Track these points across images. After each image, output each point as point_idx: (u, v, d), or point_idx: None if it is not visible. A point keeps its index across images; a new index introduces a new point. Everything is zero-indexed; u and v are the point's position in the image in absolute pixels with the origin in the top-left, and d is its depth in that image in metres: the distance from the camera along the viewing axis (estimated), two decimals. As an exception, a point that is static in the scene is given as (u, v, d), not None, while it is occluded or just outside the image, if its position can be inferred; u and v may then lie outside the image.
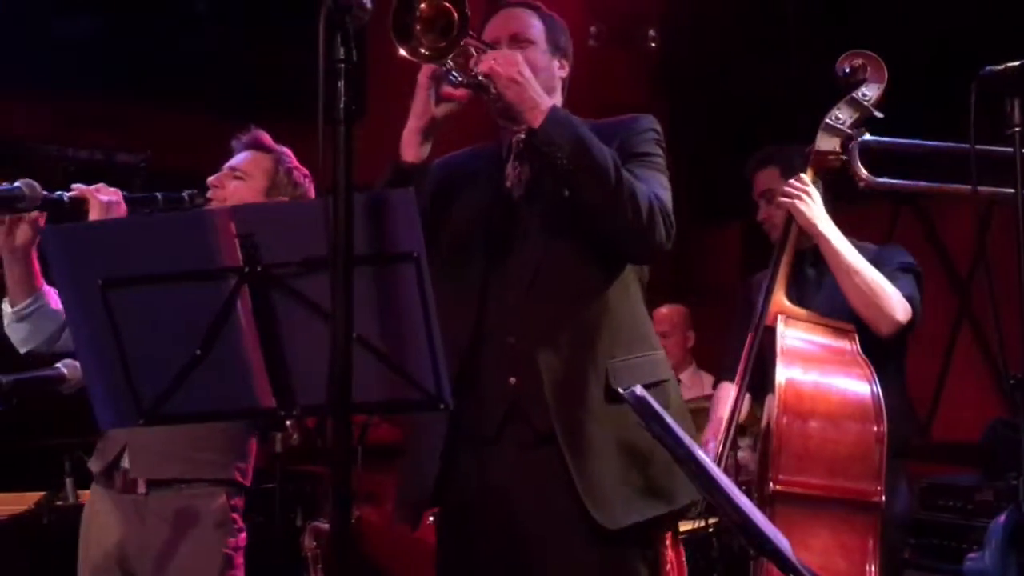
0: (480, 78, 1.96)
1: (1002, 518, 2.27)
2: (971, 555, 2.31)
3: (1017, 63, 1.58)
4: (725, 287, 3.07)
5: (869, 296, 2.46)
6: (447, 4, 1.88)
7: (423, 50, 1.90)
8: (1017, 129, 1.56)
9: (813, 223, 2.52)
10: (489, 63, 1.94)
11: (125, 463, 2.29)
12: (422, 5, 1.88)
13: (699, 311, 4.55)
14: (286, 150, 2.46)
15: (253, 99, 4.69)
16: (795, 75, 4.88)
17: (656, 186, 2.06)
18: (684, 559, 2.15)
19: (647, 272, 2.19)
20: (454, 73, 1.95)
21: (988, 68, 1.58)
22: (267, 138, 2.45)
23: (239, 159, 2.41)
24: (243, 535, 2.35)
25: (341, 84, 1.41)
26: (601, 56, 5.48)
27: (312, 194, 2.41)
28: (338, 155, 1.40)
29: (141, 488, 2.28)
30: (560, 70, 2.18)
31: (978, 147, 1.57)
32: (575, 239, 2.04)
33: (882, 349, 2.51)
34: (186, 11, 4.76)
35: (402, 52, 1.90)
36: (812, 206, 2.54)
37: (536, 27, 2.14)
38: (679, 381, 4.50)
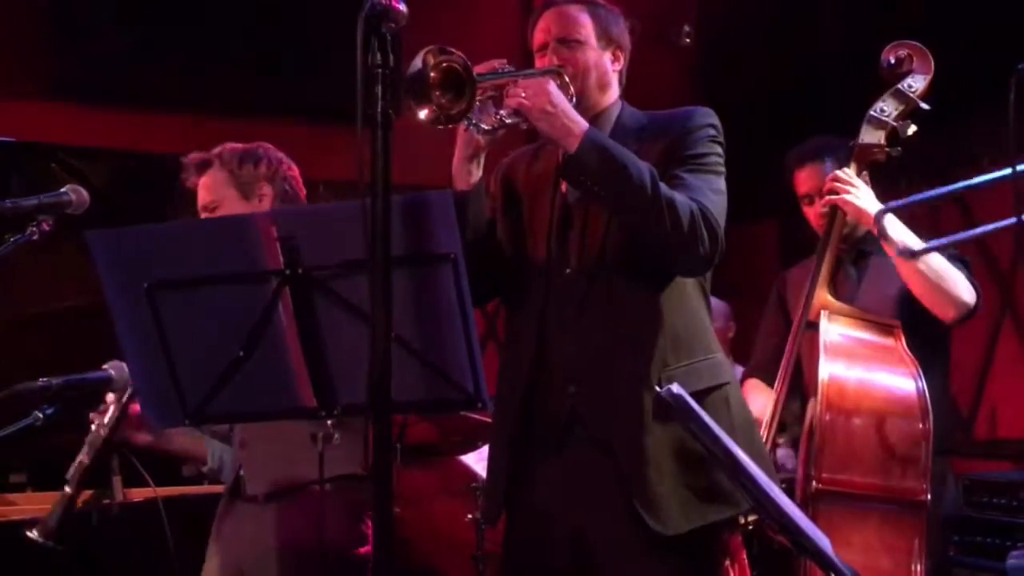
0: (508, 119, 1.94)
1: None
2: (1015, 552, 2.29)
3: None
4: (762, 284, 3.04)
5: (935, 280, 2.43)
6: (449, 64, 1.84)
7: (451, 111, 1.85)
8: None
9: (865, 213, 2.49)
10: (518, 99, 1.92)
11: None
12: (432, 74, 1.84)
13: (737, 306, 4.53)
14: (225, 145, 2.38)
15: (297, 102, 4.74)
16: (833, 70, 4.83)
17: (704, 193, 2.01)
18: (747, 563, 2.13)
19: (708, 275, 2.15)
20: (478, 124, 1.92)
21: (1027, 61, 1.56)
22: (196, 155, 2.39)
23: (200, 196, 2.36)
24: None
25: (379, 88, 1.42)
26: (636, 52, 5.47)
27: (293, 167, 2.36)
28: (376, 158, 1.41)
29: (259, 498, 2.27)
30: (614, 63, 2.15)
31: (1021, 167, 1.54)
32: (625, 246, 2.03)
33: (927, 345, 2.48)
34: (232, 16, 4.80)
35: (430, 123, 1.86)
36: (861, 197, 2.51)
37: (585, 24, 2.10)
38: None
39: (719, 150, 2.10)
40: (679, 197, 1.96)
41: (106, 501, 3.09)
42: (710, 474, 1.98)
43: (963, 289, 2.44)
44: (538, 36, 2.11)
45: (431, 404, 1.73)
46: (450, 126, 1.89)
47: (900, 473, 2.21)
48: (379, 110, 1.43)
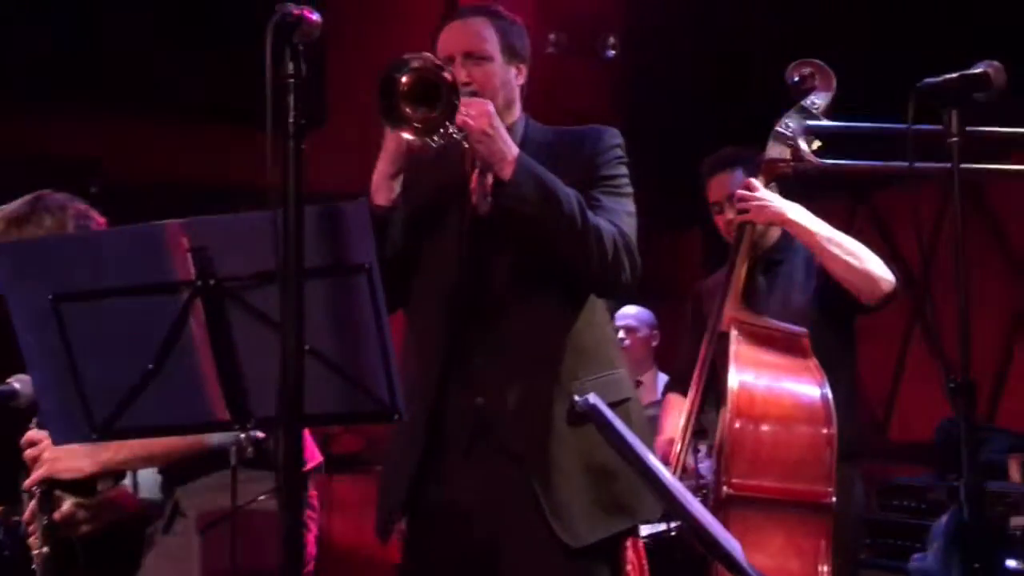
0: (454, 135, 1.93)
1: (944, 519, 2.33)
2: (916, 555, 2.37)
3: (955, 75, 1.62)
4: (687, 291, 3.10)
5: (854, 263, 2.50)
6: (430, 76, 1.86)
7: (416, 125, 1.87)
8: (954, 139, 1.60)
9: (779, 214, 2.55)
10: (463, 117, 1.91)
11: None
12: (403, 79, 1.85)
13: (662, 314, 4.59)
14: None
15: (206, 107, 4.67)
16: (756, 82, 4.94)
17: (621, 217, 2.06)
18: (645, 560, 2.17)
19: None
20: (434, 138, 1.91)
21: (926, 80, 1.62)
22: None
23: None
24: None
25: (291, 99, 1.41)
26: (561, 64, 5.51)
27: (79, 205, 2.27)
28: (288, 169, 1.40)
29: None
30: (518, 78, 2.15)
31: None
32: (541, 265, 2.04)
33: (836, 350, 2.55)
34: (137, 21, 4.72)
35: (404, 136, 1.88)
36: (769, 203, 2.56)
37: (490, 39, 2.10)
38: (640, 383, 4.57)
39: (627, 171, 2.15)
40: (604, 225, 1.99)
41: (15, 518, 2.99)
42: (615, 485, 2.02)
43: (884, 268, 2.52)
44: (443, 48, 2.10)
45: (347, 416, 1.71)
46: (418, 136, 1.88)
47: (806, 477, 2.27)
48: (291, 120, 1.41)
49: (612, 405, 1.97)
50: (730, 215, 2.74)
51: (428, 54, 1.88)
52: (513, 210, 1.97)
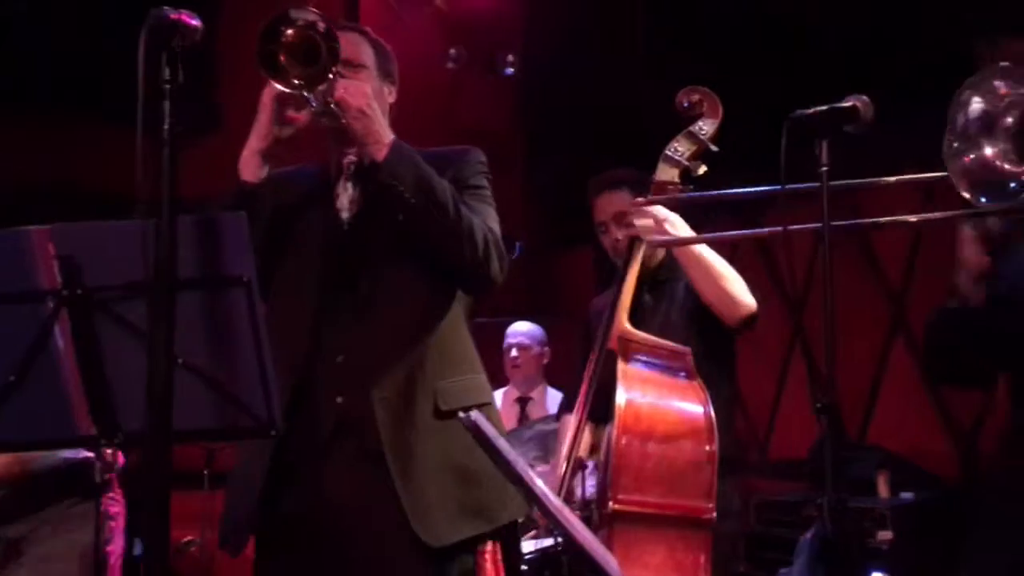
0: (332, 106, 1.95)
1: (809, 534, 2.41)
2: (782, 570, 2.43)
3: (825, 108, 1.69)
4: (580, 308, 3.13)
5: (721, 283, 2.56)
6: (314, 33, 1.88)
7: (294, 80, 1.89)
8: (824, 168, 1.67)
9: (664, 219, 2.58)
10: (341, 92, 1.95)
11: None
12: (289, 32, 1.87)
13: (555, 331, 4.63)
14: None
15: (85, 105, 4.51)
16: (648, 104, 5.06)
17: (490, 219, 2.12)
18: (502, 571, 2.18)
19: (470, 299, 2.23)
20: (308, 97, 1.93)
21: (798, 112, 1.69)
22: None
23: None
24: None
25: (166, 105, 1.37)
26: (460, 80, 5.54)
27: None
28: (162, 176, 1.36)
29: None
30: (389, 96, 2.20)
31: (788, 186, 1.68)
32: (408, 264, 2.07)
33: (714, 367, 2.61)
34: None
35: (275, 85, 1.89)
36: (656, 209, 2.60)
37: (367, 52, 2.15)
38: (530, 399, 4.61)
39: (490, 188, 2.20)
40: (475, 219, 2.04)
41: None
42: (477, 488, 2.04)
43: (745, 292, 2.59)
44: None
45: (222, 431, 1.67)
46: (297, 91, 1.90)
47: (688, 493, 2.30)
48: (166, 127, 1.37)
49: (475, 407, 1.98)
50: (615, 235, 2.79)
51: (317, 13, 1.90)
52: (387, 192, 1.98)
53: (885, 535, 3.18)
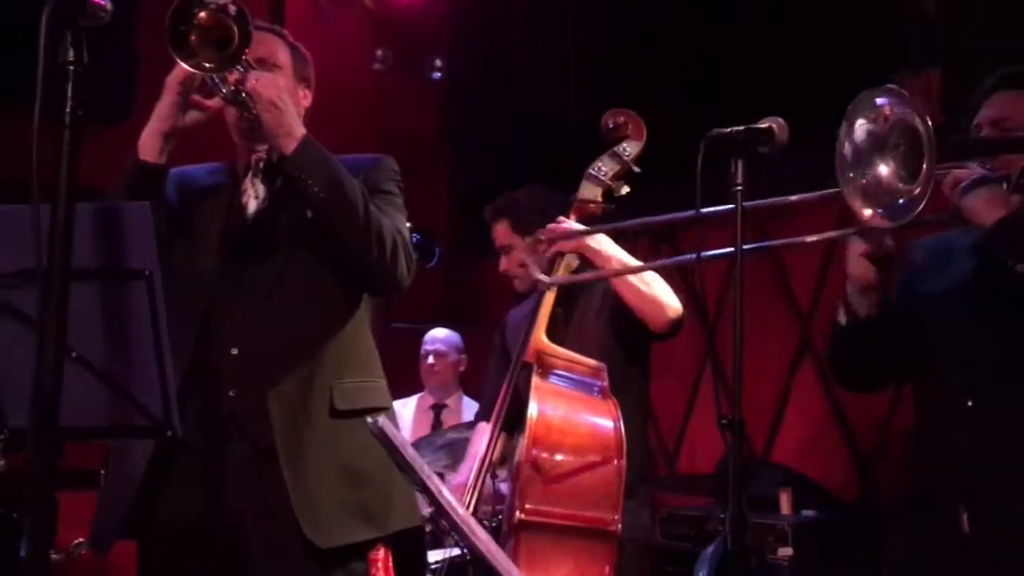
0: (243, 95, 1.93)
1: (711, 548, 2.43)
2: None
3: (741, 128, 1.72)
4: (495, 318, 3.13)
5: (643, 289, 2.57)
6: (226, 17, 1.85)
7: (205, 63, 1.86)
8: (739, 188, 1.70)
9: (581, 242, 2.60)
10: (253, 82, 1.93)
11: None
12: (201, 14, 1.85)
13: (472, 338, 4.62)
14: None
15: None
16: (575, 112, 5.09)
17: (398, 219, 2.11)
18: None
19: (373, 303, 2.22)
20: (219, 84, 1.92)
21: (715, 131, 1.71)
22: None
23: None
24: None
25: (69, 87, 1.31)
26: (387, 81, 5.49)
27: None
28: (61, 161, 1.30)
29: None
30: (304, 100, 2.18)
31: (703, 210, 1.70)
32: (312, 262, 2.04)
33: (625, 380, 2.63)
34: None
35: (182, 64, 1.86)
36: (576, 227, 2.62)
37: (283, 53, 2.14)
38: (445, 406, 4.58)
39: (402, 196, 2.20)
40: (384, 220, 2.03)
41: None
42: (368, 492, 2.02)
43: (671, 296, 2.61)
44: None
45: (115, 430, 1.60)
46: (207, 73, 1.87)
47: (595, 505, 2.31)
48: (67, 110, 1.31)
49: (373, 410, 2.00)
50: (505, 264, 2.84)
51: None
52: (296, 185, 1.96)
53: (786, 551, 3.24)
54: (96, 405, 1.52)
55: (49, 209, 1.34)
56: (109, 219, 1.47)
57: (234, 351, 1.99)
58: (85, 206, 1.42)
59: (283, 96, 1.95)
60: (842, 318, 2.01)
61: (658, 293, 2.59)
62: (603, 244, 2.64)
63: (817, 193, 1.90)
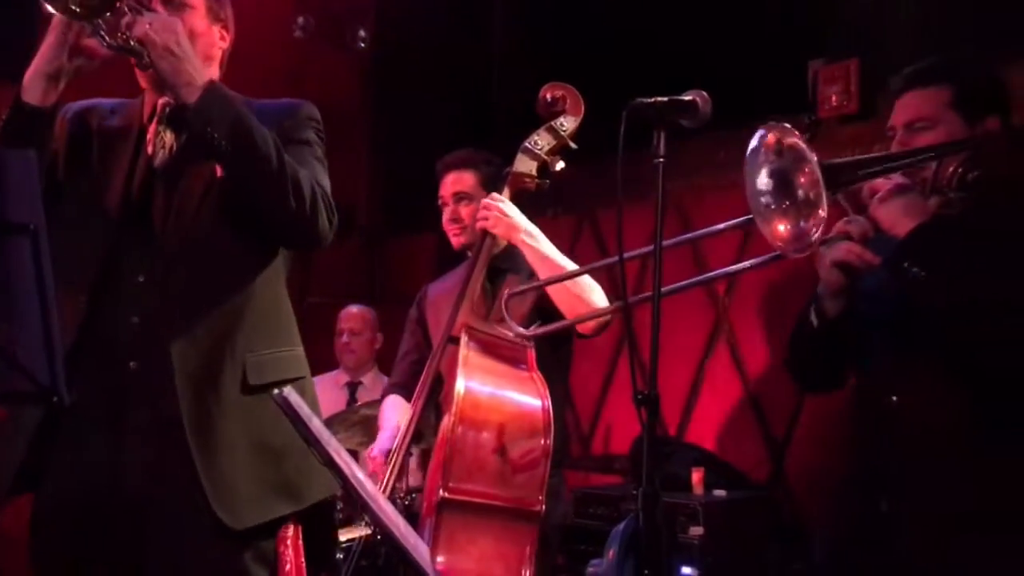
0: (133, 43, 1.80)
1: (621, 526, 2.43)
2: (594, 560, 2.44)
3: (665, 98, 1.69)
4: (414, 296, 3.07)
5: (575, 292, 2.54)
6: None
7: (72, 6, 1.72)
8: (661, 159, 1.67)
9: (515, 229, 2.58)
10: (144, 28, 1.79)
11: None
12: None
13: (390, 316, 4.55)
14: None
15: None
16: (500, 88, 5.03)
17: (319, 173, 2.00)
18: (303, 559, 2.09)
19: (289, 265, 2.12)
20: (103, 33, 1.77)
21: (638, 100, 1.68)
22: None
23: None
24: None
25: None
26: (309, 50, 5.34)
27: None
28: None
29: None
30: (221, 41, 2.06)
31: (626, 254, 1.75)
32: (223, 220, 1.92)
33: (552, 363, 2.60)
34: None
35: (47, 7, 1.71)
36: (512, 217, 2.60)
37: None
38: (360, 383, 4.51)
39: (323, 145, 2.10)
40: (302, 171, 1.92)
41: None
42: (283, 465, 1.93)
43: (601, 299, 2.59)
44: None
45: (-3, 395, 1.50)
46: (77, 20, 1.73)
47: (520, 484, 2.27)
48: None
49: (287, 382, 1.92)
50: (451, 214, 2.78)
51: None
52: (201, 138, 1.83)
53: (696, 530, 3.27)
54: (-26, 369, 1.42)
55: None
56: (-11, 169, 1.37)
57: (134, 319, 1.87)
58: (-39, 154, 1.31)
59: (180, 41, 1.82)
60: (813, 320, 2.00)
61: (587, 295, 2.56)
62: (536, 238, 2.60)
63: (732, 222, 1.92)
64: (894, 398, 1.90)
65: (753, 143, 1.73)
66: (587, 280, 2.59)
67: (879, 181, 1.81)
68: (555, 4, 4.78)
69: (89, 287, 1.86)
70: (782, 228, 1.71)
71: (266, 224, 1.94)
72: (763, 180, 1.72)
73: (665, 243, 1.71)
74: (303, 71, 5.24)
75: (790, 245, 1.70)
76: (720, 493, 3.51)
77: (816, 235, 1.66)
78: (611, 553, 2.15)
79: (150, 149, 1.95)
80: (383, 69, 5.76)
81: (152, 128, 1.97)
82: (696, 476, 3.51)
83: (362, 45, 5.41)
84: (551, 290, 2.58)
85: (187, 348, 1.87)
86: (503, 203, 2.62)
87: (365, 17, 5.49)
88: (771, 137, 1.70)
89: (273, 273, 2.02)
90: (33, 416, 1.84)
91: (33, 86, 1.79)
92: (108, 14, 1.75)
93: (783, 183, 1.71)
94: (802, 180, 1.68)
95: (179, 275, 1.89)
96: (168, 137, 1.96)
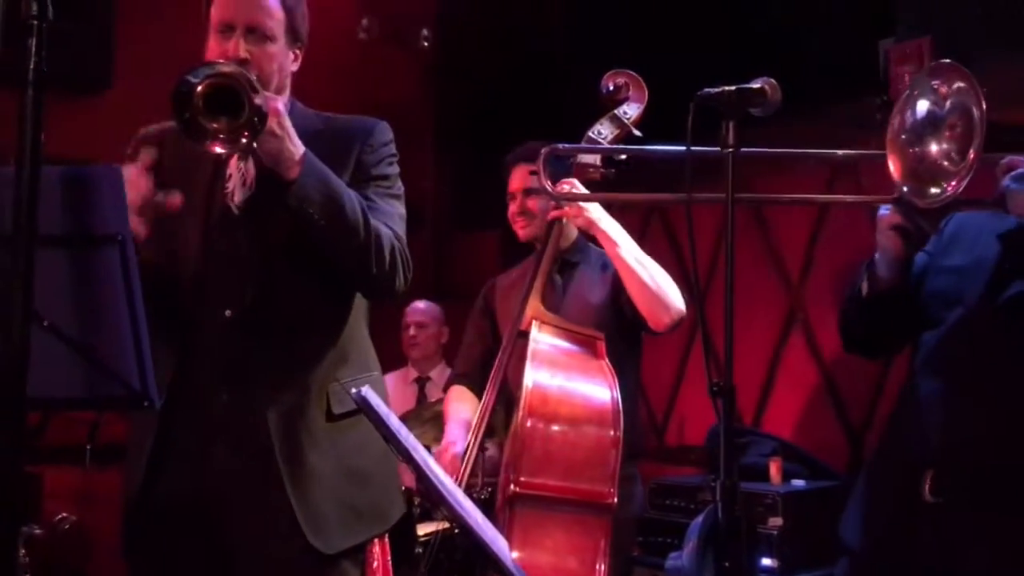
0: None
1: (700, 518, 2.40)
2: (673, 554, 2.43)
3: (733, 88, 1.67)
4: (479, 290, 3.08)
5: (653, 288, 2.53)
6: (225, 82, 1.74)
7: (222, 136, 1.75)
8: (730, 150, 1.65)
9: (595, 222, 2.57)
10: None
11: None
12: (198, 89, 1.73)
13: (455, 311, 4.58)
14: None
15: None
16: (562, 85, 5.02)
17: (396, 221, 2.02)
18: (389, 559, 2.14)
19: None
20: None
21: (705, 90, 1.66)
22: None
23: None
24: None
25: (32, 42, 1.26)
26: (372, 51, 5.40)
27: None
28: (24, 122, 1.25)
29: None
30: (294, 63, 2.06)
31: (694, 148, 1.65)
32: (304, 260, 1.95)
33: (623, 355, 2.59)
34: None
35: (216, 150, 1.77)
36: (591, 209, 2.58)
37: (278, 18, 1.97)
38: (429, 378, 4.56)
39: (398, 171, 2.11)
40: (384, 231, 1.94)
41: None
42: (370, 490, 1.99)
43: (678, 297, 2.57)
44: (225, 13, 1.94)
45: (91, 401, 1.56)
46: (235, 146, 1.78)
47: (591, 477, 2.27)
48: (31, 67, 1.26)
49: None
50: (520, 207, 2.77)
51: (215, 65, 1.77)
52: (297, 212, 1.86)
53: (776, 521, 3.23)
54: (71, 376, 1.48)
55: (12, 172, 1.29)
56: (79, 184, 1.43)
57: (225, 353, 1.92)
58: (52, 169, 1.37)
59: (282, 122, 1.83)
60: (864, 287, 1.96)
61: (664, 293, 2.54)
62: (612, 227, 2.59)
63: (858, 152, 1.85)
64: (949, 381, 1.84)
65: (924, 72, 1.67)
66: (664, 277, 2.57)
67: (1020, 159, 1.74)
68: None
69: (180, 323, 1.92)
70: (911, 172, 1.65)
71: (345, 280, 1.98)
72: (918, 113, 1.66)
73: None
74: (367, 71, 5.31)
75: (915, 188, 1.64)
76: (799, 483, 3.46)
77: (950, 189, 1.61)
78: (690, 546, 2.13)
79: (230, 185, 1.97)
80: (446, 67, 5.79)
81: (232, 164, 1.98)
82: (774, 466, 3.47)
83: (425, 44, 5.46)
84: (628, 285, 2.57)
85: (275, 380, 1.92)
86: (579, 188, 2.59)
87: (427, 17, 5.53)
88: (946, 72, 1.63)
89: (355, 304, 2.06)
90: (147, 446, 1.92)
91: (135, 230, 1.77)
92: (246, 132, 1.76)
93: (934, 124, 1.65)
94: (958, 128, 1.62)
95: (263, 310, 1.93)
96: (249, 172, 1.97)
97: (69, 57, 4.06)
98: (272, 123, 1.80)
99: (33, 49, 1.25)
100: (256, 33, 1.94)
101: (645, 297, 2.54)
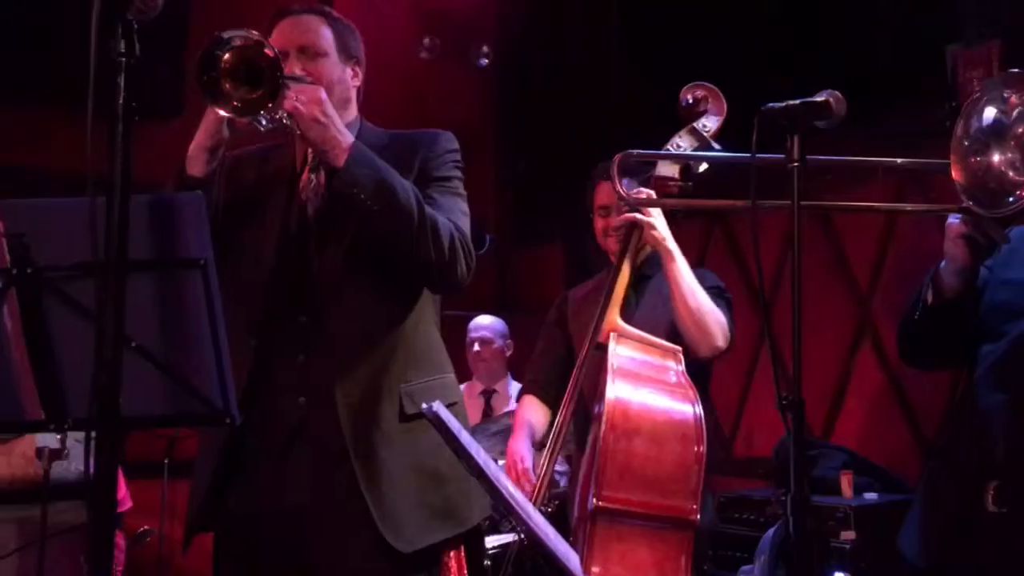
0: (283, 118, 1.89)
1: (771, 532, 2.36)
2: (744, 568, 2.39)
3: (797, 102, 1.67)
4: (548, 304, 3.10)
5: (698, 317, 2.53)
6: (253, 55, 1.81)
7: (236, 103, 1.82)
8: (795, 164, 1.65)
9: (662, 240, 2.58)
10: (292, 103, 1.87)
11: None
12: (225, 56, 1.81)
13: (519, 325, 4.61)
14: None
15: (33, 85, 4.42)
16: (621, 100, 5.03)
17: (457, 215, 2.06)
18: (466, 568, 2.15)
19: (439, 298, 2.20)
20: (262, 120, 1.88)
21: (769, 105, 1.67)
22: None
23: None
24: None
25: (121, 79, 1.32)
26: (434, 70, 5.49)
27: None
28: (115, 153, 1.31)
29: None
30: (354, 79, 2.13)
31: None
32: (372, 262, 2.01)
33: (696, 369, 2.58)
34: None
35: (221, 113, 1.84)
36: (660, 224, 2.59)
37: (325, 36, 2.07)
38: (495, 391, 4.58)
39: (462, 176, 2.15)
40: (440, 219, 1.99)
41: None
42: (445, 490, 2.01)
43: (718, 333, 2.56)
44: (277, 41, 2.02)
45: (176, 418, 1.63)
46: (242, 117, 1.84)
47: (674, 493, 2.24)
48: (120, 103, 1.32)
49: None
50: (611, 222, 2.74)
51: (251, 32, 1.84)
52: (348, 199, 1.92)
53: (848, 535, 3.18)
54: (156, 394, 1.53)
55: (105, 202, 1.35)
56: (164, 210, 1.49)
57: (300, 358, 1.98)
58: (140, 197, 1.43)
59: (325, 110, 1.90)
60: (929, 295, 1.94)
61: (707, 325, 2.54)
62: (674, 248, 2.58)
63: (922, 160, 1.83)
64: (1009, 394, 1.79)
65: (999, 79, 1.66)
66: (712, 312, 2.56)
67: None
68: (676, 6, 4.76)
69: (257, 330, 1.99)
70: (976, 182, 1.63)
71: (407, 271, 2.02)
72: (984, 120, 1.65)
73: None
74: (429, 89, 5.39)
75: (980, 197, 1.62)
76: (872, 496, 3.40)
77: (1016, 200, 1.58)
78: (762, 560, 2.10)
79: (303, 196, 2.05)
80: (506, 84, 5.85)
81: (304, 176, 2.07)
82: (845, 479, 3.42)
83: (485, 62, 5.52)
84: (676, 306, 2.56)
85: (348, 382, 1.97)
86: (654, 211, 2.59)
87: (487, 35, 5.59)
88: (1021, 82, 1.61)
89: (422, 306, 2.10)
90: (218, 449, 1.98)
91: (196, 159, 1.91)
92: (267, 109, 1.85)
93: (999, 133, 1.63)
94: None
95: (336, 314, 1.99)
96: (319, 184, 2.05)
97: (143, 85, 4.20)
98: (315, 111, 1.89)
99: (122, 85, 1.32)
100: (307, 52, 2.03)
101: (688, 323, 2.54)
